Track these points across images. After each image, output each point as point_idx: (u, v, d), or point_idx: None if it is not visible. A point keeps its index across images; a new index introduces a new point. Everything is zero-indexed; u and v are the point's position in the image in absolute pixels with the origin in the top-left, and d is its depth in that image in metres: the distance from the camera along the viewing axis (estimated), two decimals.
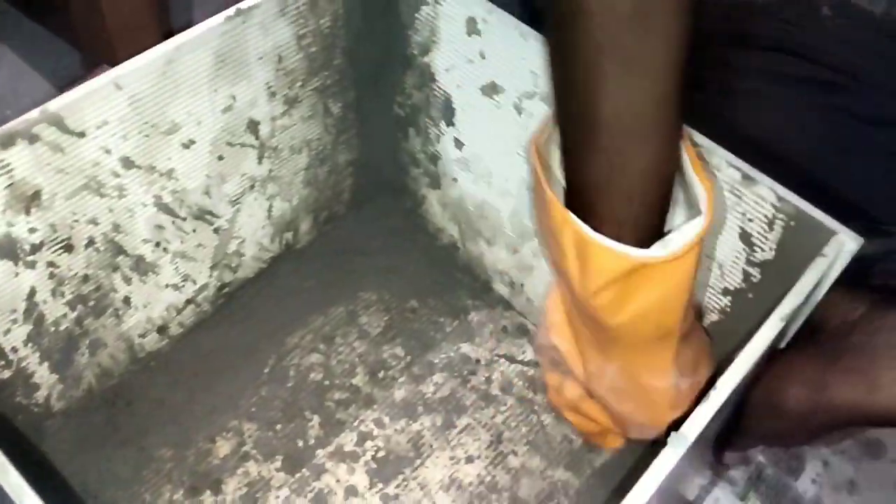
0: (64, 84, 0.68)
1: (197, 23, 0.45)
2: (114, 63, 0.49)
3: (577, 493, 0.56)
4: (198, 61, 0.46)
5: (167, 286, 0.55)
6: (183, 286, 0.56)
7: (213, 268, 0.58)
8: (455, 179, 0.60)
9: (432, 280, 0.65)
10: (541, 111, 0.50)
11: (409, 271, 0.65)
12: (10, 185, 0.42)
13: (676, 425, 0.35)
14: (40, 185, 0.43)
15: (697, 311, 0.42)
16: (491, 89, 0.52)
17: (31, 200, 0.43)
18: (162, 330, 0.57)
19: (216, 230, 0.56)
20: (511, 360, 0.61)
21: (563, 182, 0.40)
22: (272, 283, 0.63)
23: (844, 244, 0.40)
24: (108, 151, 0.45)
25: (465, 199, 0.61)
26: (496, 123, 0.54)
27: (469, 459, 0.57)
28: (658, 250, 0.37)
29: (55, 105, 0.41)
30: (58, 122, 0.42)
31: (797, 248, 0.42)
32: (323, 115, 0.57)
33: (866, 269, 0.53)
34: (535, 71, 0.49)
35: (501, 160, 0.55)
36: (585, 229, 0.37)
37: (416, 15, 0.53)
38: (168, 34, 0.44)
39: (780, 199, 0.42)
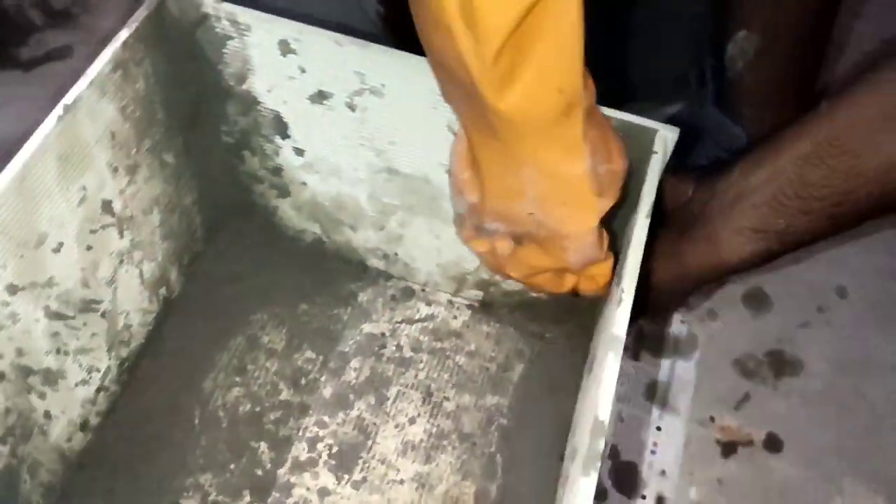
0: None
1: None
2: None
3: (509, 410, 0.63)
4: (45, 169, 0.46)
5: (76, 385, 0.55)
6: (90, 378, 0.57)
7: (109, 350, 0.58)
8: (304, 183, 0.63)
9: (311, 279, 0.68)
10: (374, 104, 0.54)
11: (286, 279, 0.68)
12: None
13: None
14: None
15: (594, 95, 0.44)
16: (319, 97, 0.56)
17: None
18: (84, 426, 0.57)
19: (103, 314, 0.56)
20: (410, 321, 0.67)
21: None
22: (166, 341, 0.64)
23: (667, 138, 0.48)
24: None
25: (319, 197, 0.64)
26: (332, 125, 0.57)
27: (412, 421, 0.62)
28: None
29: None
30: None
31: (629, 153, 0.50)
32: (160, 170, 0.58)
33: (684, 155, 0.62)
34: (360, 70, 0.53)
35: (346, 154, 0.59)
36: None
37: (224, 50, 0.55)
38: None
39: (604, 114, 0.49)
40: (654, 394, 0.67)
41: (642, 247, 0.44)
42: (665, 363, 0.68)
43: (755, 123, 0.69)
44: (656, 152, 0.48)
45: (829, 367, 0.69)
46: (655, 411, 0.66)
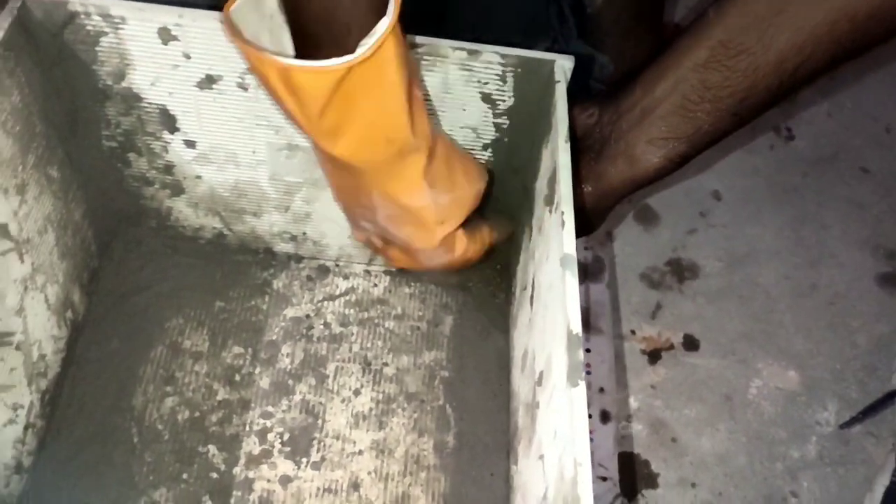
0: None
1: None
2: None
3: (448, 361, 0.64)
4: None
5: (4, 426, 0.52)
6: (16, 417, 0.53)
7: (29, 384, 0.54)
8: (199, 177, 0.61)
9: (220, 275, 0.66)
10: None
11: (194, 280, 0.66)
12: None
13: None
14: None
15: (437, 135, 0.47)
16: (207, 82, 0.54)
17: None
18: (19, 469, 0.54)
19: (17, 347, 0.52)
20: (331, 298, 0.66)
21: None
22: (82, 364, 0.61)
23: (565, 66, 0.50)
24: None
25: (216, 189, 0.62)
26: (225, 109, 0.56)
27: (356, 392, 0.62)
28: (354, 53, 0.39)
29: None
30: None
31: (529, 86, 0.52)
32: (48, 185, 0.55)
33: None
34: None
35: (242, 137, 0.58)
36: (281, 59, 0.39)
37: (97, 48, 0.52)
38: None
39: (503, 56, 0.51)
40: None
41: (569, 169, 0.46)
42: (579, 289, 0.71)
43: (619, 52, 0.72)
44: (559, 81, 0.50)
45: (722, 265, 0.74)
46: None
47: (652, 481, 0.63)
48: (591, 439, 0.62)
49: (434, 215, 0.50)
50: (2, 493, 0.52)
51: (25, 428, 0.54)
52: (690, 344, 0.69)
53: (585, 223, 0.57)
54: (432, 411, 0.62)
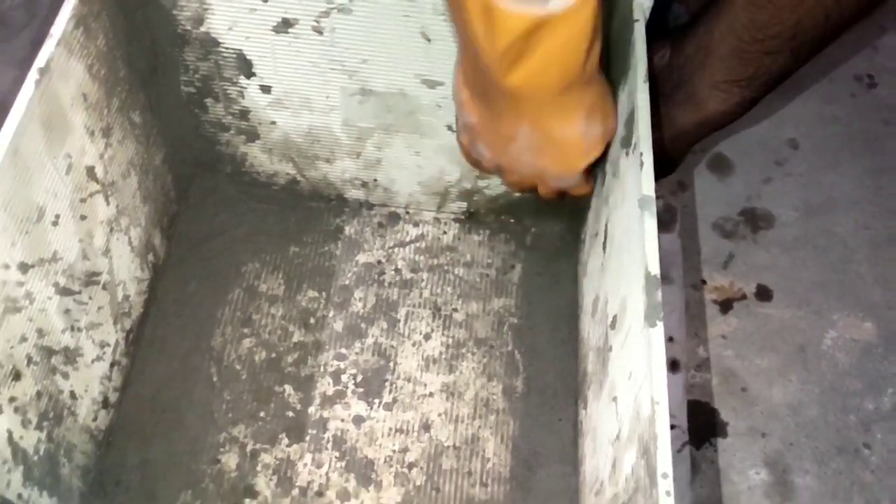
0: None
1: None
2: None
3: (517, 308, 0.64)
4: (34, 138, 0.44)
5: (93, 362, 0.54)
6: (104, 354, 0.55)
7: (115, 323, 0.57)
8: (273, 122, 0.62)
9: (294, 220, 0.68)
10: (342, 23, 0.54)
11: (269, 225, 0.67)
12: None
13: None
14: None
15: (600, 62, 0.45)
16: (284, 25, 0.54)
17: None
18: (105, 404, 0.56)
19: (104, 286, 0.54)
20: (402, 244, 0.67)
21: None
22: (163, 306, 0.63)
23: (644, 3, 0.50)
24: (7, 267, 0.43)
25: (290, 135, 0.63)
26: (300, 53, 0.56)
27: (427, 337, 0.63)
28: (556, 4, 0.39)
29: None
30: None
31: (607, 23, 0.51)
32: (131, 130, 0.56)
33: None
34: None
35: (316, 82, 0.58)
36: None
37: None
38: None
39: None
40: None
41: (648, 109, 0.45)
42: None
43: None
44: (637, 20, 0.49)
45: (798, 215, 0.73)
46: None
47: (721, 430, 0.62)
48: None
49: (583, 147, 0.48)
50: (90, 426, 0.54)
51: (111, 365, 0.57)
52: (764, 294, 0.68)
53: (659, 168, 0.56)
54: (501, 356, 0.62)
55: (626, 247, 0.46)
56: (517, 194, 0.65)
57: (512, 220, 0.68)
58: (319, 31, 0.54)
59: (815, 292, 0.68)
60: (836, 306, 0.68)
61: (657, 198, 0.72)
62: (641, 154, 0.44)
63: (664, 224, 0.72)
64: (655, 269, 0.40)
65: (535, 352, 0.62)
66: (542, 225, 0.67)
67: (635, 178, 0.44)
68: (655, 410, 0.37)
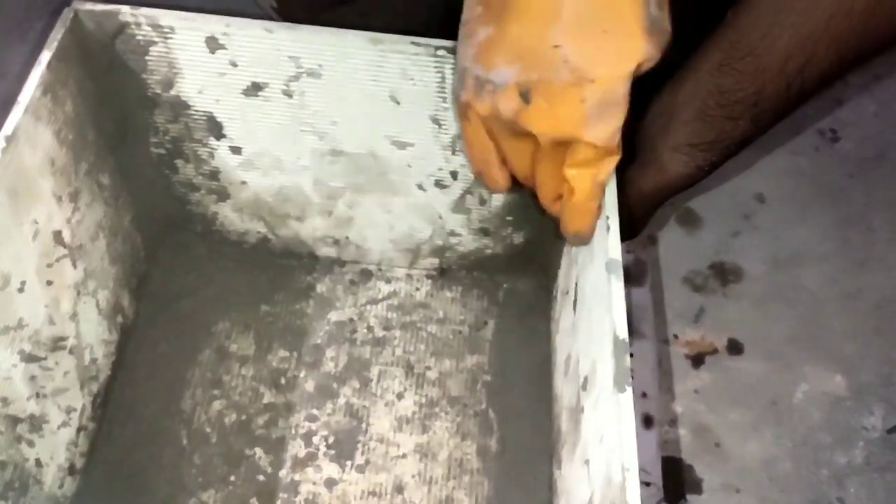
0: None
1: None
2: None
3: (490, 366, 0.64)
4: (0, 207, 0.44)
5: (59, 428, 0.53)
6: (70, 420, 0.54)
7: (82, 387, 0.56)
8: (244, 182, 0.62)
9: (265, 279, 0.67)
10: (310, 88, 0.54)
11: (240, 284, 0.67)
12: None
13: None
14: None
15: None
16: (253, 89, 0.55)
17: None
18: (72, 470, 0.55)
19: (71, 351, 0.54)
20: (374, 302, 0.67)
21: None
22: (132, 368, 0.62)
23: None
24: None
25: (261, 194, 0.63)
26: (270, 116, 0.56)
27: (400, 396, 0.63)
28: None
29: None
30: None
31: None
32: (100, 193, 0.56)
33: None
34: (294, 54, 0.52)
35: (287, 143, 0.58)
36: None
37: (147, 57, 0.53)
38: None
39: None
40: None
41: (614, 176, 0.46)
42: None
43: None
44: None
45: (766, 268, 0.74)
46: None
47: (696, 486, 0.62)
48: None
49: (646, 18, 0.40)
50: (56, 493, 0.53)
51: (78, 430, 0.56)
52: (735, 348, 0.68)
53: (626, 228, 0.57)
54: (475, 415, 0.62)
55: (595, 308, 0.46)
56: (487, 252, 0.66)
57: (484, 277, 0.68)
58: (289, 95, 0.55)
59: (786, 345, 0.69)
60: (806, 359, 0.68)
61: (627, 251, 0.73)
62: (608, 217, 0.44)
63: (635, 278, 0.72)
64: (624, 334, 0.40)
65: (510, 410, 0.62)
66: (515, 281, 0.68)
67: (602, 241, 0.44)
68: (626, 477, 0.37)
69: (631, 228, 0.58)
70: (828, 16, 0.45)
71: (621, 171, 0.52)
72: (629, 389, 0.38)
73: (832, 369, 0.68)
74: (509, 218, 0.63)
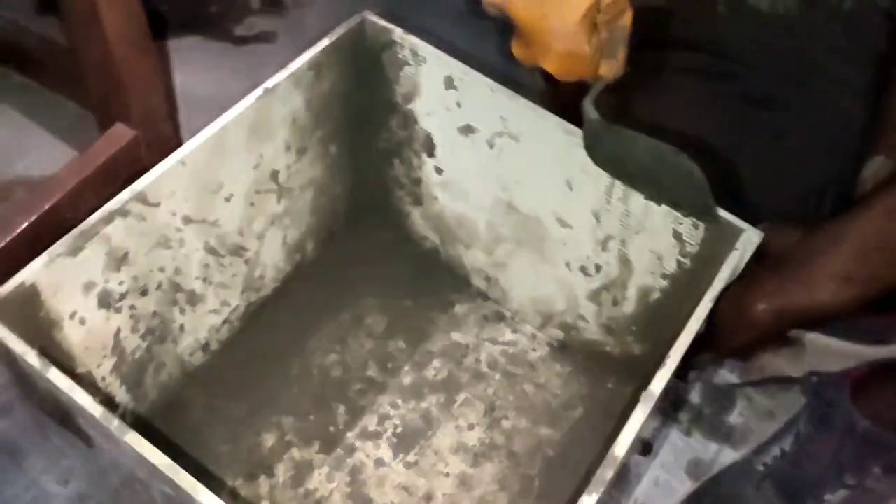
0: (82, 143, 0.77)
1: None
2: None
3: (559, 444, 0.69)
4: (238, 134, 0.57)
5: (210, 311, 0.66)
6: (221, 310, 0.68)
7: (242, 292, 0.69)
8: (436, 198, 0.73)
9: (421, 281, 0.77)
10: (510, 146, 0.63)
11: (400, 276, 0.77)
12: (108, 252, 0.52)
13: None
14: (129, 247, 0.54)
15: None
16: (467, 130, 0.65)
17: (121, 261, 0.54)
18: (205, 348, 0.68)
19: (246, 261, 0.67)
20: (493, 342, 0.75)
21: None
22: (288, 299, 0.74)
23: (751, 238, 0.55)
24: (174, 214, 0.56)
25: (445, 213, 0.73)
26: (472, 155, 0.66)
27: (470, 427, 0.70)
28: None
29: (141, 185, 0.52)
30: (143, 198, 0.52)
31: (716, 242, 0.56)
32: (324, 157, 0.69)
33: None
34: (505, 115, 0.61)
35: (476, 183, 0.68)
36: None
37: (400, 73, 0.65)
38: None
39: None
40: (694, 470, 0.71)
41: (695, 331, 0.50)
42: (712, 446, 0.73)
43: None
44: (736, 249, 0.54)
45: None
46: (690, 485, 0.71)
47: None
48: None
49: None
50: (185, 358, 0.67)
51: (224, 322, 0.69)
52: None
53: (750, 344, 0.59)
54: (522, 477, 0.68)
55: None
56: (608, 348, 0.71)
57: (595, 369, 0.73)
58: (491, 145, 0.64)
59: None
60: None
61: (740, 414, 0.74)
62: (668, 358, 0.49)
63: (734, 441, 0.73)
64: (620, 452, 0.45)
65: (554, 487, 0.67)
66: (620, 385, 0.72)
67: (657, 373, 0.49)
68: None
69: (755, 343, 0.60)
70: None
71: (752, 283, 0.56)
72: (595, 496, 0.43)
73: None
74: (633, 328, 0.68)
